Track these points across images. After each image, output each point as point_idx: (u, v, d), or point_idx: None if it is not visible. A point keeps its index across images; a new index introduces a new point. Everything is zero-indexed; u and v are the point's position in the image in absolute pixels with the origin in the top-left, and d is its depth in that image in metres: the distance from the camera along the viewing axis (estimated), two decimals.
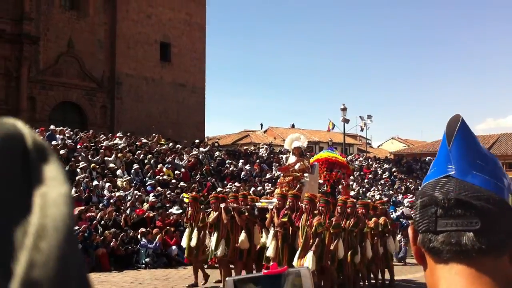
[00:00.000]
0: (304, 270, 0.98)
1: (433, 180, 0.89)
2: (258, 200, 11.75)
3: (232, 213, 10.27)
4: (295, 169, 11.79)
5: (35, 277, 0.38)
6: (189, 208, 11.46)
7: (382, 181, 32.04)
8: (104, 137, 22.61)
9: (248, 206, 10.65)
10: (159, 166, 20.41)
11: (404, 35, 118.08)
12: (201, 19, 38.17)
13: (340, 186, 14.05)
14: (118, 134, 23.91)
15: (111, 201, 16.06)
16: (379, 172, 34.04)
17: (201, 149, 25.43)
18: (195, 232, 10.85)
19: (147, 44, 34.87)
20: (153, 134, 25.28)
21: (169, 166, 20.80)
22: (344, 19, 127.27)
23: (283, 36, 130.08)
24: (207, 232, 10.82)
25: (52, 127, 20.80)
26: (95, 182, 17.02)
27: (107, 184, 17.17)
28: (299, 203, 10.15)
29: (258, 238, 10.57)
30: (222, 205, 10.35)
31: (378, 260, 11.25)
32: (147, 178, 19.34)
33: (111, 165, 19.00)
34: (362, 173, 33.06)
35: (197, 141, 28.31)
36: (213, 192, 15.89)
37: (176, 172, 20.75)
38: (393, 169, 35.78)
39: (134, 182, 18.50)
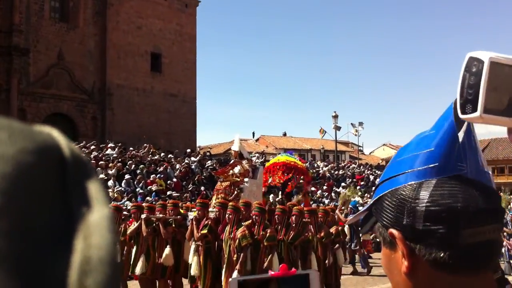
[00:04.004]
0: (313, 273, 0.96)
1: (435, 180, 0.71)
2: (191, 209, 10.48)
3: (154, 224, 9.21)
4: (235, 173, 10.66)
5: None
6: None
7: (374, 188, 32.07)
8: (95, 148, 22.53)
9: (178, 216, 9.57)
10: (152, 176, 20.36)
11: (395, 43, 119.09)
12: (191, 29, 38.27)
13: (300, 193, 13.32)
14: (109, 145, 23.83)
15: None
16: (371, 178, 34.08)
17: (193, 158, 25.39)
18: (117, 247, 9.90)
19: (137, 54, 34.88)
20: (145, 144, 25.23)
21: (161, 176, 20.76)
22: (335, 28, 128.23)
23: (274, 45, 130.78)
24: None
25: None
26: None
27: None
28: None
29: (188, 253, 9.37)
30: (143, 216, 9.31)
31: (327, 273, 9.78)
32: (138, 188, 19.29)
33: (102, 176, 18.93)
34: (354, 180, 33.11)
35: (188, 150, 28.29)
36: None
37: (168, 181, 20.71)
38: None
39: (126, 192, 18.44)
